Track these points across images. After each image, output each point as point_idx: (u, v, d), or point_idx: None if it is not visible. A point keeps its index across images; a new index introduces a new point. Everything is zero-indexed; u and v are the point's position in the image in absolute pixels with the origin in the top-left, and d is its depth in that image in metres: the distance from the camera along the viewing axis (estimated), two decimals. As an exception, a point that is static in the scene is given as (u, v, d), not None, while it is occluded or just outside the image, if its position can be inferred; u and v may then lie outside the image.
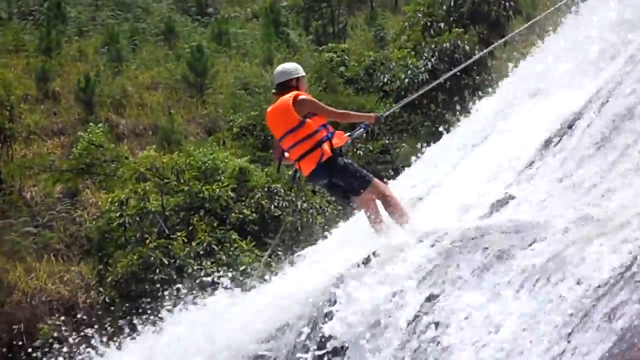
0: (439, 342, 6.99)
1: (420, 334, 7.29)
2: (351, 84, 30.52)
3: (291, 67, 10.92)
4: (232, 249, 20.64)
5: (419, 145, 16.00)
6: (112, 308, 21.15)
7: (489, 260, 7.38)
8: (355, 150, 25.82)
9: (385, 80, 28.60)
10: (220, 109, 33.30)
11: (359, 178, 10.39)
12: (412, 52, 28.11)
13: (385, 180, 11.63)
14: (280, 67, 11.00)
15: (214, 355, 9.45)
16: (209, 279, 10.91)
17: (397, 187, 14.79)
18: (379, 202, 10.44)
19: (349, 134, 10.91)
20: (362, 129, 11.31)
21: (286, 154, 10.73)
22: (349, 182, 10.33)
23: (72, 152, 28.10)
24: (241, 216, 22.21)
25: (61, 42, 37.92)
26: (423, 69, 26.92)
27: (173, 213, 22.59)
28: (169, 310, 10.79)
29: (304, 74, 10.92)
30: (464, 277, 7.48)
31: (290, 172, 11.48)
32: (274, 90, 10.90)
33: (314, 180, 10.93)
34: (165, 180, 23.17)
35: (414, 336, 7.34)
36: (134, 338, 11.01)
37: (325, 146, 10.27)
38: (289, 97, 10.41)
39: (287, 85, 10.68)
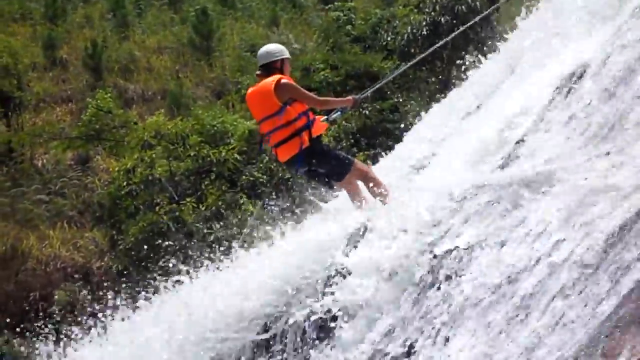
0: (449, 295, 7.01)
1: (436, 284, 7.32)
2: (358, 42, 30.36)
3: (276, 49, 10.82)
4: (240, 212, 20.64)
5: (427, 102, 16.03)
6: (126, 274, 21.24)
7: (500, 213, 7.38)
8: (362, 110, 25.77)
9: (389, 38, 28.53)
10: (227, 71, 33.26)
11: (339, 163, 10.38)
12: (416, 9, 27.98)
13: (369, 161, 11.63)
14: (265, 48, 10.90)
15: (224, 319, 9.49)
16: (218, 242, 10.97)
17: (405, 147, 14.85)
18: (361, 184, 10.47)
19: (325, 118, 10.88)
20: (338, 113, 11.28)
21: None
22: (330, 168, 10.32)
23: (81, 118, 28.14)
24: (251, 179, 22.18)
25: (67, 9, 37.90)
26: (424, 23, 26.81)
27: (183, 178, 22.60)
28: (180, 275, 10.85)
29: (288, 55, 10.84)
30: (478, 229, 7.49)
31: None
32: (257, 72, 10.83)
33: (292, 167, 10.87)
34: (173, 147, 23.16)
35: (429, 290, 7.37)
36: (148, 302, 11.08)
37: (304, 135, 10.23)
38: (271, 80, 10.30)
39: (271, 66, 10.59)
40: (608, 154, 7.04)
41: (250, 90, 10.76)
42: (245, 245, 10.97)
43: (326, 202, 11.55)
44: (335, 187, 10.87)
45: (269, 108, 10.30)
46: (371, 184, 10.30)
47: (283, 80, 10.32)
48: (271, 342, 9.02)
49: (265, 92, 10.29)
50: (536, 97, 9.71)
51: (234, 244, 10.78)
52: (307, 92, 10.65)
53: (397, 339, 7.24)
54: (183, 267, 10.76)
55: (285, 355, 8.80)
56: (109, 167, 26.56)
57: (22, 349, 19.48)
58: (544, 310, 5.93)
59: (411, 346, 7.00)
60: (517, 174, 7.77)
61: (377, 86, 14.06)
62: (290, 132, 10.26)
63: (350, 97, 11.23)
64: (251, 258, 10.36)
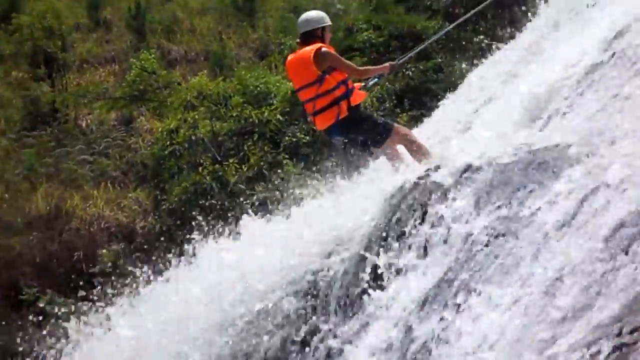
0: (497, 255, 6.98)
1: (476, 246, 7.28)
2: (401, 2, 30.11)
3: (316, 16, 10.76)
4: (283, 173, 20.63)
5: (471, 62, 15.88)
6: (170, 234, 21.34)
7: (539, 176, 7.32)
8: (405, 71, 25.60)
9: (432, -1, 28.36)
10: (270, 32, 33.16)
11: (379, 129, 10.36)
12: (463, -32, 27.74)
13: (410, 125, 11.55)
14: (305, 16, 10.85)
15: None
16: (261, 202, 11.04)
17: (449, 106, 14.75)
18: (402, 148, 10.42)
19: (363, 85, 10.83)
20: (376, 79, 11.27)
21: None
22: (370, 134, 10.29)
23: (125, 79, 28.21)
24: (294, 139, 22.15)
25: (112, -29, 37.93)
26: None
27: (225, 139, 22.60)
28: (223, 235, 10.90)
29: (329, 22, 10.79)
30: (517, 194, 7.43)
31: None
32: (297, 40, 10.79)
33: (330, 136, 10.84)
34: (215, 107, 23.17)
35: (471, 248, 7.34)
36: (191, 262, 11.15)
37: (343, 104, 10.20)
38: (311, 49, 10.28)
39: (311, 34, 10.55)
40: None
41: (290, 57, 10.76)
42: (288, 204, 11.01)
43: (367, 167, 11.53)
44: (374, 154, 10.84)
45: (308, 76, 10.31)
46: (413, 147, 10.28)
47: (323, 49, 10.31)
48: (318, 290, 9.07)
49: (305, 60, 10.29)
50: (582, 58, 9.61)
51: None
52: (346, 61, 10.65)
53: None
54: (226, 228, 10.81)
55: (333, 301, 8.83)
56: (153, 127, 26.63)
57: (65, 308, 19.67)
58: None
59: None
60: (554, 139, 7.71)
61: (416, 51, 14.01)
62: (329, 101, 10.29)
63: (387, 64, 11.22)
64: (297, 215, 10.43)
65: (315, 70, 10.17)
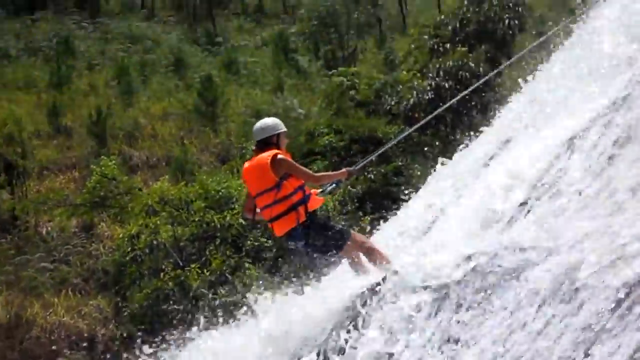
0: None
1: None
2: (362, 106, 30.51)
3: (271, 123, 10.75)
4: (246, 277, 20.55)
5: (431, 165, 16.00)
6: (131, 341, 21.10)
7: (499, 280, 7.35)
8: (367, 174, 25.80)
9: (393, 103, 28.73)
10: (232, 137, 33.35)
11: (336, 236, 10.32)
12: (419, 74, 28.20)
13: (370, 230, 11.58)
14: (259, 124, 10.82)
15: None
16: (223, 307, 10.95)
17: (409, 212, 14.82)
18: (361, 255, 10.42)
19: (320, 191, 10.84)
20: (333, 185, 11.26)
21: (258, 210, 10.63)
22: (327, 240, 10.26)
23: (85, 185, 28.18)
24: (256, 243, 22.13)
25: (71, 77, 38.11)
26: (429, 88, 27.02)
27: (187, 244, 22.55)
28: (187, 340, 10.77)
29: (284, 129, 10.78)
30: (476, 299, 7.44)
31: None
32: (253, 147, 10.80)
33: (289, 240, 10.79)
34: (177, 212, 23.16)
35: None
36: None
37: (301, 209, 10.20)
38: (267, 155, 10.24)
39: (267, 141, 10.56)
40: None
41: (245, 164, 10.71)
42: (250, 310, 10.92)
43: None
44: (333, 259, 10.78)
45: (265, 183, 10.24)
46: (371, 255, 10.26)
47: (279, 156, 10.25)
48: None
49: (262, 167, 10.23)
50: (536, 164, 9.73)
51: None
52: (302, 167, 10.60)
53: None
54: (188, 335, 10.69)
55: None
56: (113, 234, 26.53)
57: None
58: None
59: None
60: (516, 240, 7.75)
61: (374, 155, 14.06)
62: (286, 207, 10.20)
63: (344, 170, 11.18)
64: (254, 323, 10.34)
65: (272, 177, 10.11)
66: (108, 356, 19.46)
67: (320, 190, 10.89)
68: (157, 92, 38.23)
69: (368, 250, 10.32)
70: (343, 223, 21.72)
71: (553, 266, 6.88)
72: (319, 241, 10.30)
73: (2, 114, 30.87)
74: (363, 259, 10.39)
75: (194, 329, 11.03)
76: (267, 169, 10.13)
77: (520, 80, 14.96)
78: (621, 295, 5.88)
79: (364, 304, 8.82)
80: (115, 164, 27.55)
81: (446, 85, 26.72)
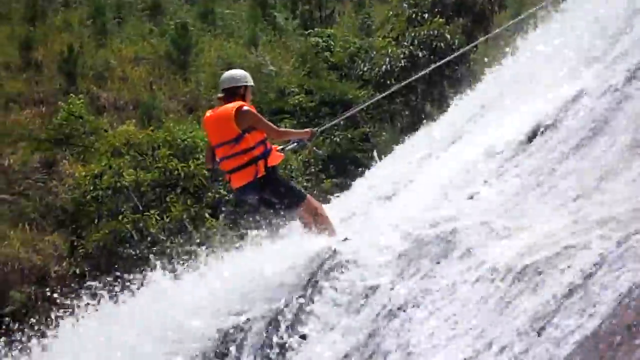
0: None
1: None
2: (335, 69, 30.51)
3: (241, 74, 10.81)
4: (204, 227, 20.60)
5: (398, 134, 16.11)
6: (83, 280, 21.11)
7: (455, 257, 7.44)
8: (333, 137, 25.86)
9: (365, 68, 28.74)
10: (202, 87, 33.22)
11: (292, 195, 10.41)
12: (395, 42, 28.20)
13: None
14: (229, 73, 10.88)
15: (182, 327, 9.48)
16: (179, 255, 10.98)
17: (371, 179, 14.89)
18: (310, 219, 10.49)
19: (281, 148, 10.89)
20: (295, 144, 11.33)
21: (217, 160, 10.65)
22: (282, 199, 10.33)
23: (51, 122, 28.03)
24: (217, 196, 22.17)
25: (47, 12, 37.70)
26: (402, 56, 27.03)
27: (148, 189, 22.53)
28: (138, 284, 10.83)
29: (252, 83, 10.83)
30: (429, 273, 7.54)
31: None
32: (219, 95, 10.80)
33: (244, 195, 10.81)
34: (141, 157, 23.12)
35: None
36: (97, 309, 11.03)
37: (260, 164, 10.23)
38: (232, 106, 10.26)
39: (233, 92, 10.56)
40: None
41: (208, 113, 10.71)
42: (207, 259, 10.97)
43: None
44: (286, 219, 10.84)
45: (227, 134, 10.26)
46: (319, 221, 10.34)
47: (244, 107, 10.28)
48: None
49: (225, 118, 10.24)
50: (503, 143, 9.80)
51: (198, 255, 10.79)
52: (266, 121, 10.64)
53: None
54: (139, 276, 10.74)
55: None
56: (75, 172, 26.38)
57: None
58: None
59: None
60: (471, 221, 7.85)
61: (340, 119, 14.12)
62: (246, 160, 10.25)
63: (308, 130, 11.25)
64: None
65: (235, 129, 10.10)
66: (60, 292, 19.42)
67: (281, 147, 10.95)
68: (130, 35, 37.91)
69: (319, 217, 10.43)
70: (305, 184, 21.82)
71: (513, 245, 6.98)
72: (274, 197, 10.38)
73: (-29, 43, 30.59)
74: (312, 225, 10.48)
75: (148, 272, 11.09)
76: (231, 120, 10.16)
77: (496, 57, 15.06)
78: (578, 280, 5.96)
79: (314, 272, 8.91)
80: (83, 103, 27.41)
81: (420, 54, 26.75)
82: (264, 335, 8.75)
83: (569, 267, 6.12)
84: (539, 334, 5.75)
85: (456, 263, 7.34)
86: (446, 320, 6.73)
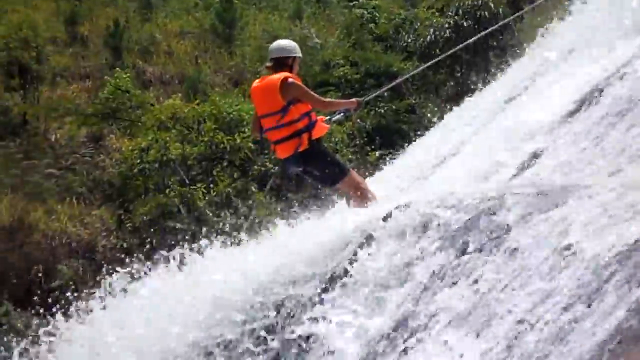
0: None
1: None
2: (380, 41, 30.36)
3: (290, 45, 10.72)
4: (250, 201, 20.60)
5: (444, 105, 15.99)
6: (130, 253, 21.21)
7: (510, 223, 7.33)
8: (378, 109, 25.76)
9: (410, 40, 28.58)
10: (247, 60, 33.23)
11: (335, 169, 10.32)
12: (439, 13, 28.02)
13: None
14: (278, 43, 10.79)
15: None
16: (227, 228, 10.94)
17: (419, 149, 14.79)
18: (352, 193, 10.42)
19: (328, 119, 10.81)
20: (341, 114, 11.23)
21: (264, 130, 10.61)
22: (325, 172, 10.26)
23: (98, 96, 28.18)
24: (263, 169, 22.16)
25: (92, -14, 37.89)
26: (447, 26, 26.85)
27: (195, 163, 22.57)
28: (187, 257, 10.80)
29: (300, 55, 10.76)
30: (482, 241, 7.43)
31: None
32: (267, 64, 10.73)
33: (288, 166, 10.77)
34: (188, 131, 23.17)
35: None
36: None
37: (304, 136, 10.17)
38: (277, 77, 10.16)
39: (281, 62, 10.50)
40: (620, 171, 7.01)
41: (256, 83, 10.66)
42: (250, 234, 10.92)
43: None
44: (328, 192, 10.79)
45: (272, 105, 10.19)
46: (362, 198, 10.28)
47: (290, 79, 10.18)
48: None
49: (270, 89, 10.18)
50: (553, 111, 9.67)
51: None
52: (312, 92, 10.53)
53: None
54: (188, 251, 10.71)
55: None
56: (122, 146, 26.52)
57: (21, 321, 19.50)
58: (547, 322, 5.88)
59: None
60: (528, 185, 7.72)
61: (385, 89, 14.03)
62: (290, 132, 10.16)
63: (354, 100, 11.16)
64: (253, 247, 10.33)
65: (279, 100, 10.04)
66: (107, 266, 19.52)
67: (328, 118, 10.88)
68: (175, 9, 38.03)
69: (362, 192, 10.34)
70: (350, 156, 21.76)
71: (555, 216, 6.88)
72: (317, 170, 10.32)
73: (19, 19, 30.70)
74: (355, 200, 10.42)
75: (196, 246, 11.08)
76: (276, 92, 10.10)
77: (543, 27, 14.86)
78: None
79: (356, 246, 8.83)
80: (129, 77, 27.52)
81: (465, 24, 26.54)
82: (309, 306, 8.70)
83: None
84: (588, 306, 5.67)
85: (505, 238, 7.24)
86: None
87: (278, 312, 8.88)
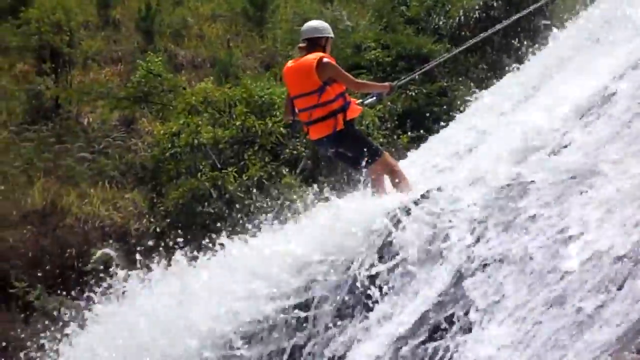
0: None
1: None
2: (411, 23, 30.18)
3: (323, 25, 10.79)
4: (281, 185, 20.58)
5: (476, 87, 15.91)
6: (164, 237, 21.26)
7: (540, 206, 7.30)
8: (409, 92, 25.65)
9: (441, 22, 28.42)
10: (278, 44, 33.20)
11: (370, 150, 10.32)
12: (472, -6, 27.86)
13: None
14: (311, 23, 10.86)
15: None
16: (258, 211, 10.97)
17: (450, 133, 14.75)
18: (386, 177, 10.41)
19: (360, 101, 10.83)
20: (374, 98, 11.26)
21: (296, 111, 10.61)
22: (358, 154, 10.26)
23: (130, 80, 28.24)
24: (295, 152, 22.14)
25: (125, -30, 37.95)
26: (477, 7, 26.69)
27: (226, 147, 22.56)
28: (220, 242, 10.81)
29: (333, 36, 10.79)
30: (514, 223, 7.42)
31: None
32: (300, 44, 10.74)
33: (321, 147, 10.79)
34: (219, 114, 23.16)
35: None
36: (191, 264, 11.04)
37: (339, 117, 10.18)
38: (313, 57, 10.22)
39: (314, 42, 10.52)
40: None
41: (289, 64, 10.69)
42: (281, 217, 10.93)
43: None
44: (361, 173, 10.77)
45: (308, 85, 10.25)
46: (396, 180, 10.28)
47: (325, 59, 10.25)
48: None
49: (306, 69, 10.23)
50: (586, 93, 9.62)
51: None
52: (346, 73, 10.60)
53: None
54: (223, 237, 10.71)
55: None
56: (154, 130, 26.59)
57: (54, 305, 19.61)
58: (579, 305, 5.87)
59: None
60: (561, 165, 7.69)
61: (417, 73, 14.04)
62: (325, 112, 10.25)
63: (387, 84, 11.21)
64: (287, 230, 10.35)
65: (316, 80, 10.11)
66: (140, 249, 19.59)
67: (360, 101, 10.91)
68: (207, -7, 38.05)
69: (395, 174, 10.36)
70: (381, 140, 21.71)
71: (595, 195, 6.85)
72: (351, 152, 10.36)
73: (51, 3, 30.78)
74: (387, 182, 10.42)
75: (229, 230, 11.11)
76: (312, 72, 10.16)
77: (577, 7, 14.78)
78: None
79: (396, 223, 8.82)
80: (161, 61, 27.56)
81: (495, 4, 26.37)
82: (343, 288, 8.74)
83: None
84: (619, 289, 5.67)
85: (538, 218, 7.22)
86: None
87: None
